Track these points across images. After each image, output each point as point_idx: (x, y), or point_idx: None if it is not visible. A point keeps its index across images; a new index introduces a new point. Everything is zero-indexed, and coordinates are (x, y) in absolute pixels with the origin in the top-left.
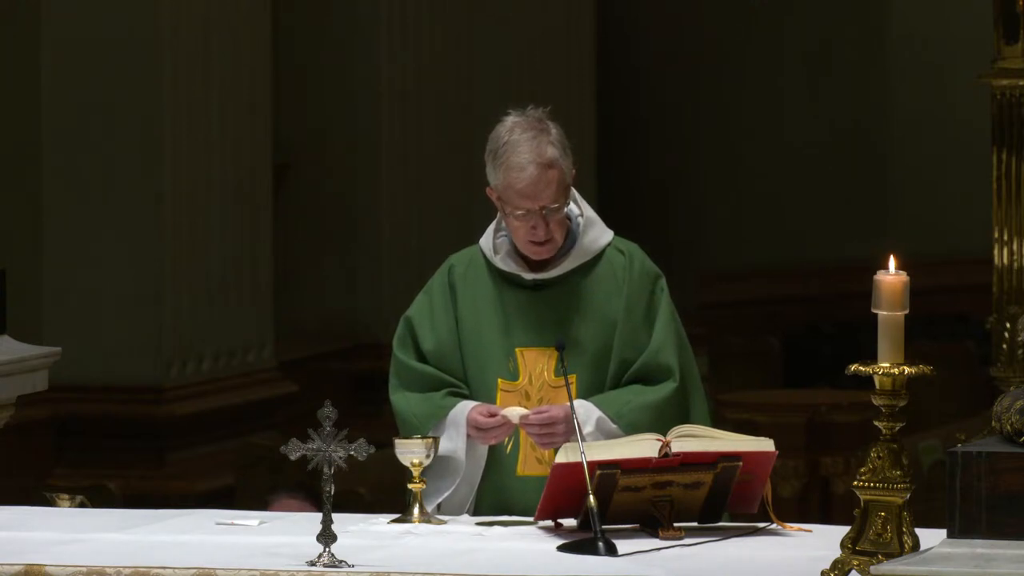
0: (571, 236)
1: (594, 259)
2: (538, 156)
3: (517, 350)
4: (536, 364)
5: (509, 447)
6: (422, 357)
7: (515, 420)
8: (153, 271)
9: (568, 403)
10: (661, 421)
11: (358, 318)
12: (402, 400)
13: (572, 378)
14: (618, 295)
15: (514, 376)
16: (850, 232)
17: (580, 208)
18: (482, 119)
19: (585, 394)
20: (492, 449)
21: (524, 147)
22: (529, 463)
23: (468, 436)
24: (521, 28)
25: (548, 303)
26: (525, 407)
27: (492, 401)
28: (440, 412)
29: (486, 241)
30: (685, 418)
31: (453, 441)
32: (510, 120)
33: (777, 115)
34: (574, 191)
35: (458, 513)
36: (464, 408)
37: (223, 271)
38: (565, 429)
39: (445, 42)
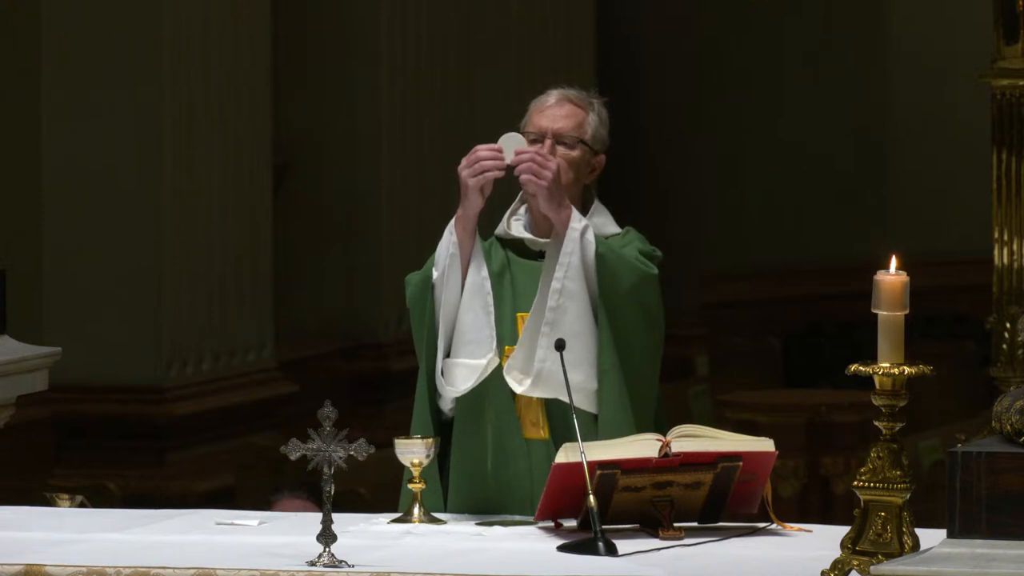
0: (585, 207)
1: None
2: (570, 96)
3: (518, 315)
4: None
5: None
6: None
7: (510, 157)
8: (153, 271)
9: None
10: (633, 290)
11: (358, 318)
12: (408, 289)
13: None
14: None
15: (515, 341)
16: (850, 232)
17: (595, 199)
18: (482, 119)
19: (584, 353)
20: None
21: (564, 90)
22: (525, 427)
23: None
24: (521, 28)
25: (550, 272)
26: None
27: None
28: (431, 262)
29: (500, 226)
30: (658, 314)
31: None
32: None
33: (777, 115)
34: (593, 187)
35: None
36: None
37: (223, 271)
38: (557, 182)
39: (445, 42)
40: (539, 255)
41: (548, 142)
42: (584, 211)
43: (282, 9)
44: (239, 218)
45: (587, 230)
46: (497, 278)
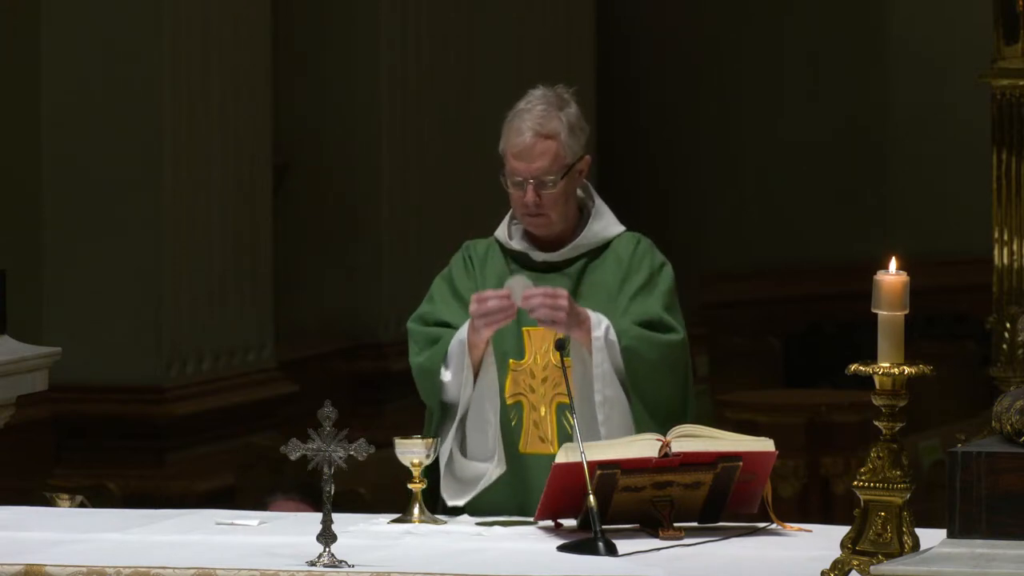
0: (583, 221)
1: (603, 247)
2: (539, 126)
3: (524, 329)
4: (542, 343)
5: (513, 422)
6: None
7: (518, 300)
8: (153, 271)
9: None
10: (662, 362)
11: (358, 318)
12: (416, 359)
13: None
14: (621, 273)
15: (520, 355)
16: (850, 232)
17: (595, 200)
18: (482, 119)
19: (624, 427)
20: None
21: (531, 115)
22: (531, 442)
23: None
24: (521, 29)
25: (556, 284)
26: (530, 384)
27: (503, 383)
28: (442, 348)
29: (502, 231)
30: (686, 371)
31: (456, 374)
32: (533, 93)
33: (777, 115)
34: (588, 184)
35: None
36: (461, 330)
37: (223, 271)
38: (566, 303)
39: (445, 42)
40: (542, 266)
41: (531, 189)
42: (584, 219)
43: (282, 9)
44: (239, 218)
45: (608, 331)
46: (498, 286)
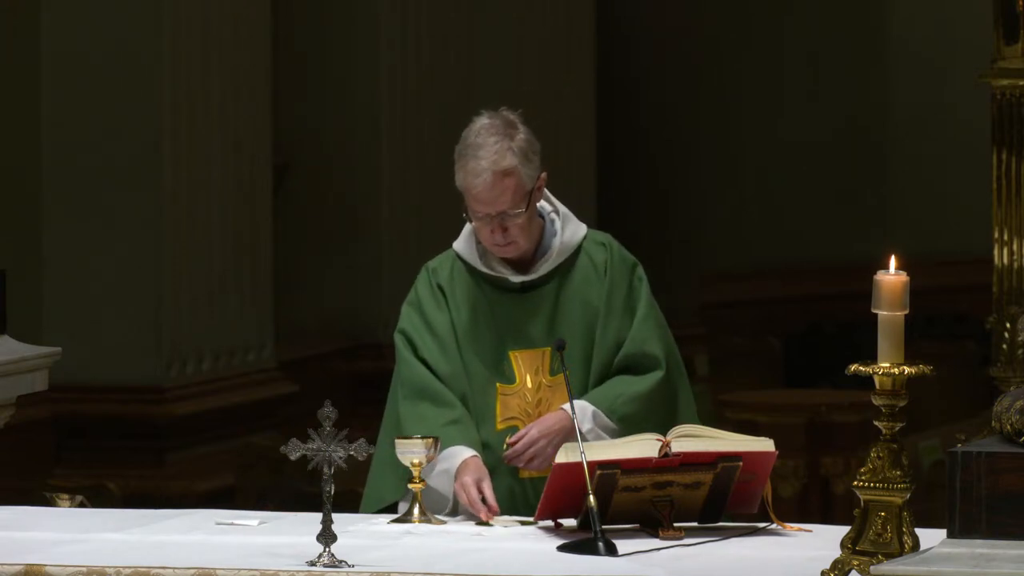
0: (548, 234)
1: (574, 254)
2: (494, 164)
3: (511, 354)
4: (531, 365)
5: (507, 447)
6: (425, 366)
7: (498, 521)
8: (153, 271)
9: (559, 408)
10: (651, 410)
11: (358, 318)
12: (404, 416)
13: (561, 377)
14: (600, 287)
15: (511, 380)
16: (850, 232)
17: (554, 205)
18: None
19: (579, 389)
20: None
21: (484, 152)
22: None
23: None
24: (521, 29)
25: (536, 304)
26: (525, 409)
27: (493, 408)
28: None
29: (464, 247)
30: (674, 404)
31: (443, 486)
32: (479, 122)
33: (777, 115)
34: (546, 192)
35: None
36: (457, 459)
37: (223, 271)
38: (547, 442)
39: (445, 42)
40: (519, 287)
41: (497, 225)
42: (547, 236)
43: (282, 9)
44: (239, 218)
45: (596, 416)
46: (472, 314)
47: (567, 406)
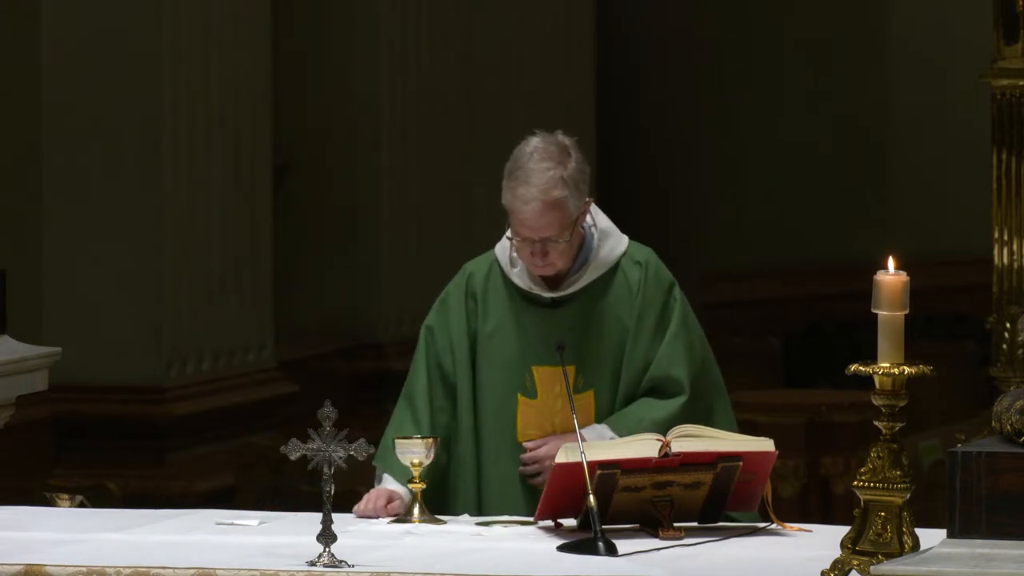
0: (585, 249)
1: (610, 271)
2: (544, 193)
3: (533, 368)
4: (553, 383)
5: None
6: (440, 368)
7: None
8: (153, 271)
9: (569, 430)
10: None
11: (358, 318)
12: (391, 421)
13: (588, 395)
14: (631, 307)
15: (532, 394)
16: (850, 232)
17: (594, 219)
18: (482, 120)
19: (606, 408)
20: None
21: (535, 179)
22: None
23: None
24: (521, 29)
25: (565, 320)
26: (544, 424)
27: (514, 418)
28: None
29: (503, 252)
30: (706, 411)
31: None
32: (533, 143)
33: (777, 114)
34: (592, 203)
35: None
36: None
37: (223, 271)
38: (549, 463)
39: (445, 43)
40: (551, 303)
41: (539, 249)
42: (584, 250)
43: (282, 9)
44: (239, 218)
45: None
46: (500, 325)
47: (586, 430)
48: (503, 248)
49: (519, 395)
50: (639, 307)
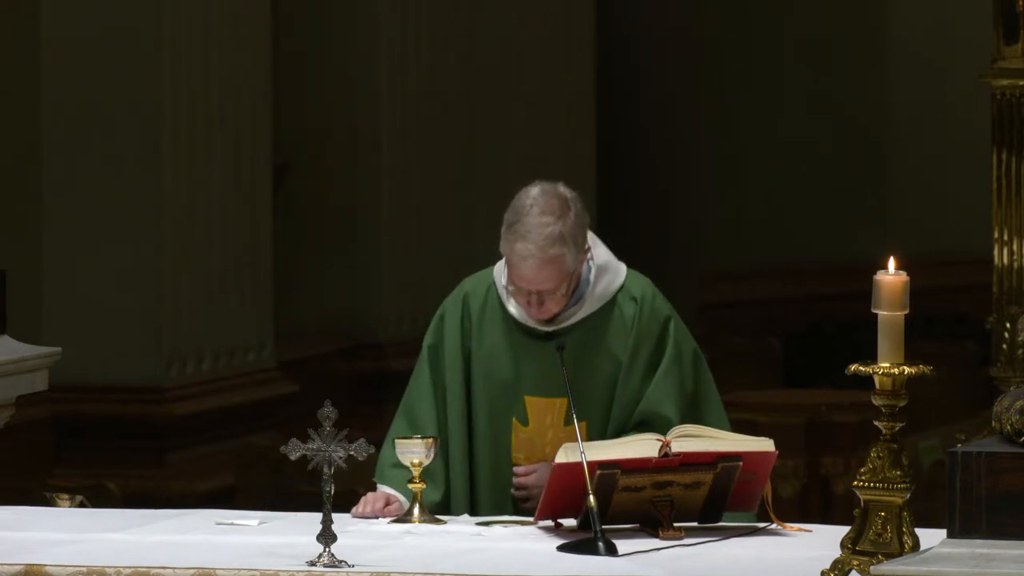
0: (582, 284)
1: (606, 305)
2: (543, 251)
3: (526, 398)
4: (545, 414)
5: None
6: (443, 385)
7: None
8: (153, 271)
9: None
10: None
11: (358, 318)
12: (389, 436)
13: (580, 427)
14: (626, 342)
15: (524, 422)
16: (850, 232)
17: (592, 252)
18: (482, 119)
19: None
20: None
21: (534, 235)
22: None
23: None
24: (521, 29)
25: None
26: (535, 453)
27: (508, 441)
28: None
29: (501, 275)
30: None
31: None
32: (534, 193)
33: (777, 115)
34: (589, 235)
35: None
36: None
37: (223, 271)
38: (540, 492)
39: (445, 42)
40: (544, 335)
41: (535, 300)
42: (580, 284)
43: (282, 9)
44: (239, 218)
45: None
46: (494, 352)
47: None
48: (501, 271)
49: (513, 419)
50: (633, 342)
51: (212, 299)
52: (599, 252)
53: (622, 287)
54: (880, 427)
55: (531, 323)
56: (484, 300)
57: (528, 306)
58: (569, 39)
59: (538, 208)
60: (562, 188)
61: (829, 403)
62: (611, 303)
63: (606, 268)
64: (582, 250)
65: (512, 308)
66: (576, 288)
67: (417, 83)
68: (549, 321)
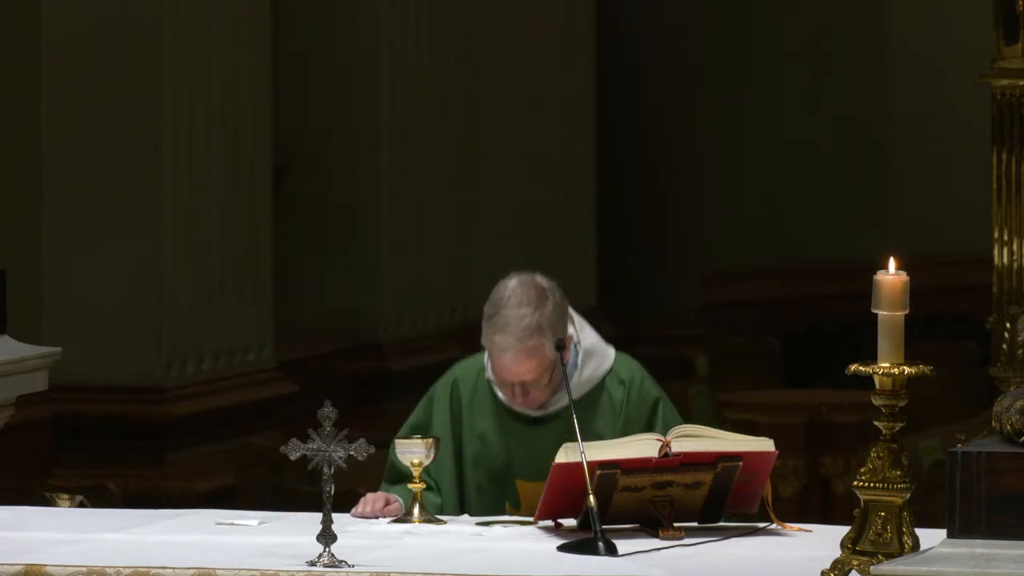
0: (569, 369)
1: (595, 389)
2: (521, 342)
3: (517, 482)
4: (536, 497)
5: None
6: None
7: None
8: (153, 271)
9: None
10: None
11: (358, 318)
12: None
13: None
14: (614, 426)
15: (516, 505)
16: (850, 232)
17: (578, 336)
18: (482, 119)
19: None
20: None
21: (512, 326)
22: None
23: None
24: (521, 29)
25: (549, 437)
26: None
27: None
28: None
29: (489, 366)
30: None
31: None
32: (511, 285)
33: (777, 115)
34: (575, 315)
35: None
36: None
37: (223, 271)
38: None
39: (445, 42)
40: (532, 420)
41: (519, 391)
42: (568, 368)
43: (282, 9)
44: (239, 218)
45: None
46: (484, 437)
47: None
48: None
49: (506, 503)
50: (621, 426)
51: (212, 299)
52: (586, 336)
53: (610, 370)
54: (880, 427)
55: (519, 408)
56: (474, 385)
57: (513, 397)
58: (569, 39)
59: (515, 299)
60: (539, 278)
61: (829, 403)
62: (599, 387)
63: (593, 352)
64: (564, 336)
65: (500, 393)
66: (563, 372)
67: (417, 83)
68: (539, 405)
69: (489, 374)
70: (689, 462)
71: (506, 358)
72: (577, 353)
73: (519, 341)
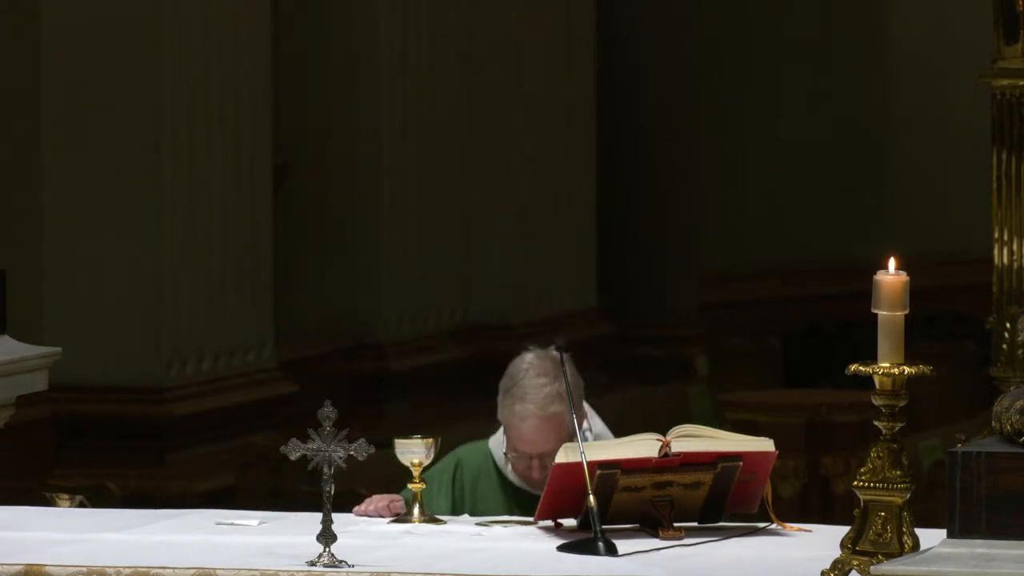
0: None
1: None
2: (542, 409)
3: None
4: None
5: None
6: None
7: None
8: (153, 271)
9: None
10: None
11: (358, 318)
12: None
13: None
14: None
15: None
16: (850, 232)
17: (590, 424)
18: (482, 119)
19: None
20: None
21: (531, 396)
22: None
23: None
24: (521, 29)
25: None
26: None
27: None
28: None
29: (498, 447)
30: None
31: None
32: (528, 359)
33: (777, 115)
34: (586, 406)
35: None
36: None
37: (223, 271)
38: None
39: (445, 42)
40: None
41: (536, 465)
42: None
43: (282, 9)
44: (239, 218)
45: None
46: (486, 515)
47: None
48: (498, 443)
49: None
50: None
51: (212, 299)
52: (596, 423)
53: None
54: (880, 427)
55: (529, 488)
56: (479, 469)
57: (529, 471)
58: (569, 39)
59: (534, 371)
60: (555, 351)
61: (829, 403)
62: None
63: (602, 438)
64: (580, 410)
65: (511, 475)
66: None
67: (417, 83)
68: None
69: (501, 452)
70: (689, 462)
71: (526, 427)
72: (588, 439)
73: (540, 408)
